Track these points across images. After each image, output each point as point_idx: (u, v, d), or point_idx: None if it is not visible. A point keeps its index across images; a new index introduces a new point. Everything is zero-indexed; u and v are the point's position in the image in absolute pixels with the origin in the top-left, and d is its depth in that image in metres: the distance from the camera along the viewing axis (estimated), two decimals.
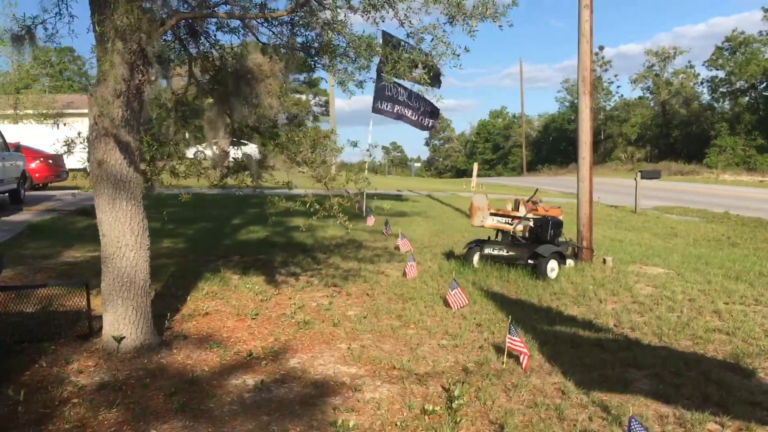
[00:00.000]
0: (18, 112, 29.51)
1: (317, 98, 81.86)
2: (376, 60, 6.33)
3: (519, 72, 68.68)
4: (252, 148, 7.40)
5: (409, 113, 16.21)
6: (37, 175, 21.12)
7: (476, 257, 10.50)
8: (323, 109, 73.16)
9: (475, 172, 34.42)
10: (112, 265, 5.82)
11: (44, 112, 29.02)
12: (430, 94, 16.08)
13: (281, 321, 7.33)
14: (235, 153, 6.95)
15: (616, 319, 7.78)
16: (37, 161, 21.04)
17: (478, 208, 10.34)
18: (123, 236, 5.78)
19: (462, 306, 7.90)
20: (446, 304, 8.05)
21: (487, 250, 10.38)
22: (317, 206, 6.94)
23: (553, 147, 76.28)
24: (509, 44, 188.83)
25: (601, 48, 74.39)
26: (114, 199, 5.72)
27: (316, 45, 6.40)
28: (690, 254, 13.06)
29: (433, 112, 16.54)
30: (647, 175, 23.14)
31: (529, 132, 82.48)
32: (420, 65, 6.43)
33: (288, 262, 10.81)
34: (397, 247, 12.12)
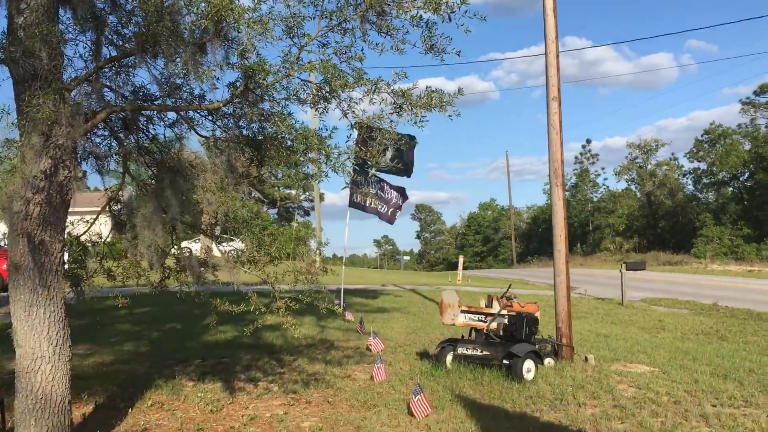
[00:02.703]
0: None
1: (307, 193, 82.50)
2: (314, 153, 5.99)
3: (506, 165, 69.62)
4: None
5: (381, 208, 15.95)
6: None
7: (449, 357, 9.90)
8: (314, 203, 73.51)
9: (460, 265, 33.95)
10: (26, 381, 5.25)
11: None
12: (398, 180, 15.96)
13: None
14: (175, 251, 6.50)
15: (594, 427, 7.15)
16: None
17: (448, 305, 9.81)
18: (39, 347, 5.24)
19: (426, 414, 7.26)
20: (411, 412, 7.41)
21: (461, 350, 9.79)
22: (262, 308, 6.43)
23: (542, 238, 76.27)
24: (497, 138, 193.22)
25: (588, 141, 75.87)
26: (30, 306, 5.22)
27: (260, 138, 6.08)
28: (677, 349, 12.48)
29: (401, 199, 16.28)
30: (632, 267, 22.76)
31: (519, 224, 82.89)
32: (390, 150, 6.12)
33: (251, 366, 10.16)
34: (368, 347, 11.50)
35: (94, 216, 6.08)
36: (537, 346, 9.63)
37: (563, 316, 10.75)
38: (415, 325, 14.96)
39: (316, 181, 5.80)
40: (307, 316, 15.00)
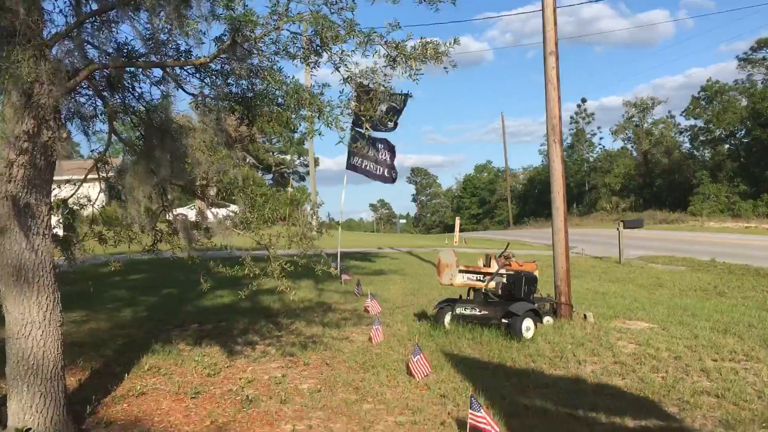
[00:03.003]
0: None
1: (302, 158, 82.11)
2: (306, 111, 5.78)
3: (502, 126, 69.21)
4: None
5: (376, 169, 15.72)
6: None
7: (448, 317, 9.83)
8: (308, 168, 73.28)
9: (457, 227, 33.88)
10: (17, 346, 5.14)
11: None
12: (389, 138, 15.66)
13: (224, 399, 6.60)
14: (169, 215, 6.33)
15: (595, 383, 7.10)
16: None
17: (445, 265, 9.70)
18: (29, 312, 5.12)
19: (426, 375, 7.20)
20: (410, 372, 7.35)
21: (459, 310, 9.71)
22: (257, 270, 6.30)
23: (538, 200, 76.24)
24: (493, 100, 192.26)
25: (584, 101, 75.28)
26: (18, 271, 5.08)
27: (250, 95, 5.88)
28: (676, 306, 12.45)
29: (390, 156, 15.96)
30: (630, 225, 22.69)
31: (515, 185, 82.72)
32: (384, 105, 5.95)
33: (248, 330, 10.10)
34: (366, 309, 11.43)
35: (83, 179, 5.91)
36: (536, 305, 9.56)
37: (562, 274, 10.67)
38: (413, 287, 14.91)
39: (309, 137, 5.60)
40: (305, 279, 14.93)
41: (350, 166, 16.06)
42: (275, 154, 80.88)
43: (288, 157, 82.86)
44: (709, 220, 47.41)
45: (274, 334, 9.82)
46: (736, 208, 51.04)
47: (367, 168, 15.87)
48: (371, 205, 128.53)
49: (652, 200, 62.52)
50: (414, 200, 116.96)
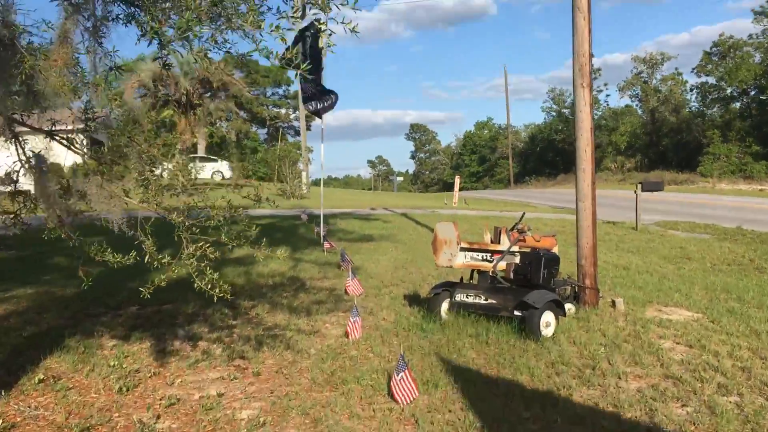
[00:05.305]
0: None
1: (297, 113, 79.26)
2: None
3: (504, 82, 66.50)
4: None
5: (323, 101, 13.64)
6: None
7: (445, 305, 7.82)
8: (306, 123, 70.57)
9: (456, 186, 31.51)
10: None
11: None
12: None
13: None
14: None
15: (647, 413, 5.12)
16: None
17: (443, 241, 7.63)
18: None
19: (412, 399, 5.21)
20: (391, 394, 5.35)
21: (459, 297, 7.68)
22: (165, 259, 4.26)
23: (540, 158, 73.88)
24: (495, 56, 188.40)
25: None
26: None
27: None
28: (714, 286, 10.49)
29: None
30: (649, 187, 20.57)
31: (516, 143, 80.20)
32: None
33: (197, 315, 8.15)
34: (346, 291, 9.41)
35: None
36: (557, 292, 7.55)
37: (587, 251, 8.62)
38: (405, 258, 12.89)
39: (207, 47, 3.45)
40: (282, 245, 12.92)
41: (317, 111, 13.99)
42: (270, 107, 78.07)
43: (282, 110, 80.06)
44: (720, 181, 45.32)
45: (227, 322, 7.85)
46: (748, 170, 48.75)
47: (319, 106, 13.77)
48: (369, 162, 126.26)
49: (659, 160, 60.18)
50: (413, 157, 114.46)
